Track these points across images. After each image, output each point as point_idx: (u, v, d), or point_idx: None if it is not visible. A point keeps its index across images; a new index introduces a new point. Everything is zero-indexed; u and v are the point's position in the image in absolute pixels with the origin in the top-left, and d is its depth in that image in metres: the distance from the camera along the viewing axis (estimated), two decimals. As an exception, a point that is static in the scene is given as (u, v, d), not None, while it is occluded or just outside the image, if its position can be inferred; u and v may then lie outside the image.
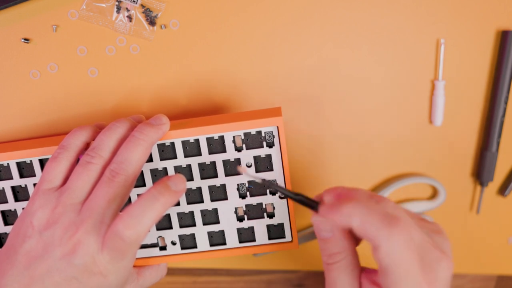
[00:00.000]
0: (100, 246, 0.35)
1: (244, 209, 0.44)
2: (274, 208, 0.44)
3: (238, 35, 0.48)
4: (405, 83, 0.52)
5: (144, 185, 0.43)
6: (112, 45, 0.46)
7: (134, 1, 0.45)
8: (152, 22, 0.46)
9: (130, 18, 0.45)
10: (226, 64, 0.48)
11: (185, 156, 0.42)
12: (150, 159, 0.43)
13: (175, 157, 0.42)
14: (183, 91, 0.49)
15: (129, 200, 0.44)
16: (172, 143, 0.42)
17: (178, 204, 0.44)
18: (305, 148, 0.52)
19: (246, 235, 0.45)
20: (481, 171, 0.55)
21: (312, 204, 0.35)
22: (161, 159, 0.42)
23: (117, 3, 0.45)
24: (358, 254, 0.35)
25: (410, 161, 0.55)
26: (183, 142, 0.42)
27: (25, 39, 0.45)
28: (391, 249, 0.30)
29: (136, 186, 0.43)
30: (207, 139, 0.42)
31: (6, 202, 0.44)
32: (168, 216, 0.44)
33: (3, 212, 0.45)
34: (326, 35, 0.49)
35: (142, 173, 0.43)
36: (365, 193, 0.35)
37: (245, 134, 0.41)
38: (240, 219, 0.44)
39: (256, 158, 0.42)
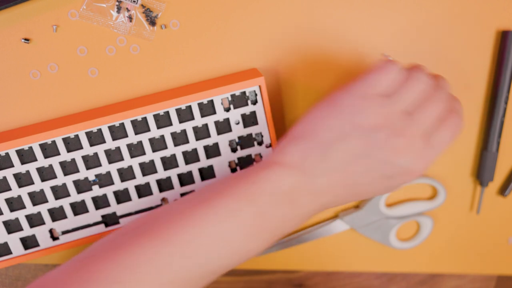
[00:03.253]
0: (420, 155, 0.38)
1: (236, 161, 0.49)
2: (261, 157, 0.49)
3: (238, 35, 0.48)
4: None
5: (144, 153, 0.47)
6: (112, 45, 0.46)
7: (134, 1, 0.45)
8: (152, 22, 0.46)
9: (130, 18, 0.45)
10: (227, 64, 0.48)
11: (180, 122, 0.46)
12: (147, 129, 0.46)
13: (171, 124, 0.46)
14: (183, 91, 0.49)
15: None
16: (167, 112, 0.46)
17: (176, 166, 0.48)
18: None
19: None
20: (481, 171, 0.55)
21: None
22: (158, 128, 0.46)
23: (117, 3, 0.45)
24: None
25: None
26: (177, 110, 0.46)
27: (25, 39, 0.45)
28: None
29: (137, 155, 0.47)
30: (198, 104, 0.46)
31: (10, 189, 0.46)
32: (169, 178, 0.48)
33: (8, 199, 0.46)
34: (327, 36, 0.49)
35: (141, 143, 0.47)
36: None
37: (231, 95, 0.46)
38: (233, 170, 0.49)
39: (242, 116, 0.47)
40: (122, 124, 0.46)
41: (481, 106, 0.54)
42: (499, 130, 0.53)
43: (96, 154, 0.46)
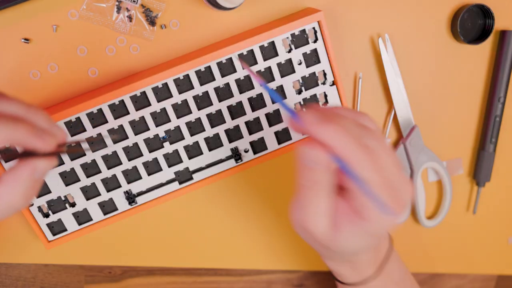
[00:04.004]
0: None
1: (302, 103, 0.48)
2: (326, 95, 0.48)
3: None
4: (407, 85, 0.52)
5: (211, 104, 0.47)
6: (112, 45, 0.46)
7: (134, 1, 0.45)
8: (152, 22, 0.46)
9: (130, 18, 0.45)
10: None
11: (243, 68, 0.46)
12: (213, 78, 0.46)
13: (235, 71, 0.46)
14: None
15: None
16: (229, 59, 0.45)
17: (244, 114, 0.47)
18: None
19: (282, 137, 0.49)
20: (478, 172, 0.55)
21: (293, 112, 0.35)
22: (222, 76, 0.46)
23: (117, 3, 0.45)
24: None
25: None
26: (239, 55, 0.46)
27: (25, 39, 0.45)
28: (362, 174, 0.32)
29: (204, 107, 0.47)
30: (260, 47, 0.45)
31: (84, 155, 0.46)
32: (237, 126, 0.48)
33: (82, 165, 0.46)
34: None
35: (207, 93, 0.46)
36: (352, 120, 0.34)
37: (291, 35, 0.45)
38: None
39: (304, 55, 0.46)
40: (187, 76, 0.45)
41: (478, 106, 0.54)
42: (497, 130, 0.53)
43: (164, 109, 0.46)
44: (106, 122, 0.45)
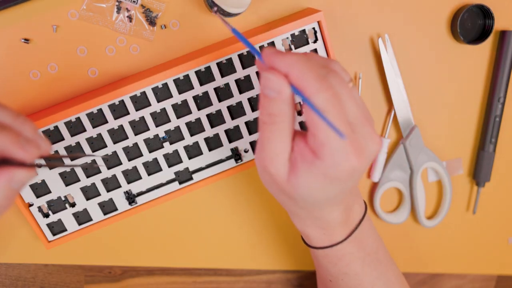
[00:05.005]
0: None
1: (302, 102, 0.47)
2: None
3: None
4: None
5: (211, 104, 0.47)
6: (112, 45, 0.46)
7: (134, 1, 0.45)
8: (152, 22, 0.46)
9: (130, 18, 0.45)
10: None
11: (243, 68, 0.46)
12: (213, 79, 0.46)
13: (235, 71, 0.46)
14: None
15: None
16: (229, 59, 0.45)
17: (244, 114, 0.47)
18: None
19: None
20: (478, 172, 0.55)
21: (257, 51, 0.34)
22: (222, 76, 0.46)
23: (117, 4, 0.45)
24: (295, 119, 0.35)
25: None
26: (239, 56, 0.46)
27: (25, 39, 0.45)
28: (318, 104, 0.31)
29: (204, 107, 0.47)
30: (260, 48, 0.45)
31: (84, 154, 0.46)
32: (237, 127, 0.48)
33: (82, 166, 0.46)
34: None
35: (207, 93, 0.46)
36: (318, 60, 0.34)
37: (291, 35, 0.45)
38: (298, 113, 0.49)
39: None
40: (187, 76, 0.45)
41: (478, 106, 0.54)
42: (496, 130, 0.53)
43: (164, 109, 0.46)
44: (106, 122, 0.45)
